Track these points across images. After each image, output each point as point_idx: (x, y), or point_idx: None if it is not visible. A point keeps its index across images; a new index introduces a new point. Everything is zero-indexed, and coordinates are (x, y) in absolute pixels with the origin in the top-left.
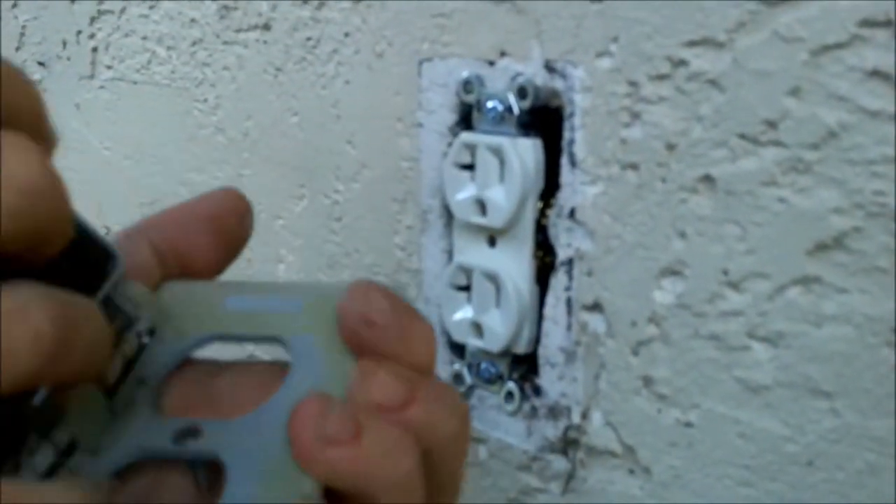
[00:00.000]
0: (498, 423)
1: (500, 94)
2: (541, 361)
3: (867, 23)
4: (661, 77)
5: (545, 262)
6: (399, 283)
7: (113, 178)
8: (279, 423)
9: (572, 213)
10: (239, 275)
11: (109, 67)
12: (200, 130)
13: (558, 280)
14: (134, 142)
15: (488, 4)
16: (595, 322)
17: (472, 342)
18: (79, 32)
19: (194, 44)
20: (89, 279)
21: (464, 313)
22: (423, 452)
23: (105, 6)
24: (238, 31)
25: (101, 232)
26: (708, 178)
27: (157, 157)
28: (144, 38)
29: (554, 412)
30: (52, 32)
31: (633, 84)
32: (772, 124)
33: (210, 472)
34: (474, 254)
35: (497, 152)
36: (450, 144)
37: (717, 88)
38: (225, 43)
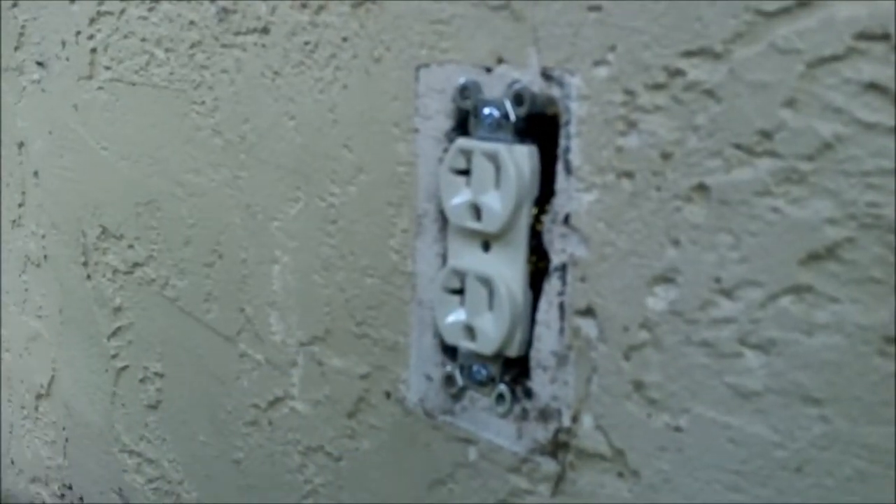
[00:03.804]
0: (488, 424)
1: (496, 100)
2: (532, 365)
3: (864, 36)
4: (658, 86)
5: (539, 268)
6: (393, 285)
7: (110, 179)
8: None
9: (567, 220)
10: (235, 276)
11: (108, 68)
12: (198, 132)
13: (551, 285)
14: (131, 143)
15: (486, 11)
16: (587, 327)
17: (465, 345)
18: (78, 33)
19: (193, 46)
20: None
21: (457, 316)
22: None
23: (104, 7)
24: (236, 34)
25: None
26: (702, 187)
27: (155, 158)
28: (143, 39)
29: (544, 415)
30: (51, 32)
31: (629, 93)
32: (767, 135)
33: None
34: (468, 258)
35: (493, 158)
36: (446, 150)
37: (713, 98)
38: (223, 46)
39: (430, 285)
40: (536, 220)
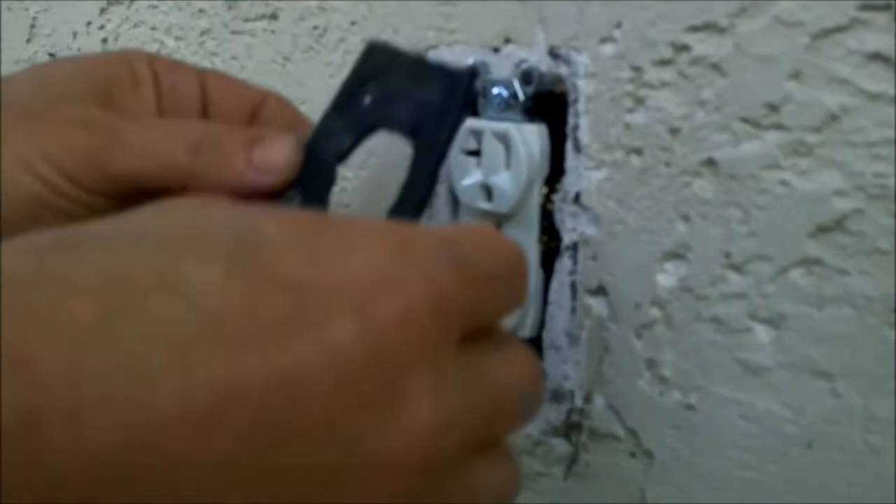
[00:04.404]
0: None
1: (505, 80)
2: (545, 345)
3: (867, 6)
4: (665, 62)
5: (550, 247)
6: None
7: None
8: None
9: (577, 198)
10: None
11: None
12: None
13: (563, 264)
14: None
15: None
16: (599, 306)
17: None
18: (88, 23)
19: (203, 34)
20: None
21: None
22: None
23: None
24: (246, 20)
25: None
26: (711, 162)
27: None
28: (153, 28)
29: (557, 396)
30: (61, 23)
31: (636, 69)
32: (774, 108)
33: None
34: None
35: (503, 138)
36: None
37: (719, 73)
38: (233, 33)
39: None
40: (547, 199)
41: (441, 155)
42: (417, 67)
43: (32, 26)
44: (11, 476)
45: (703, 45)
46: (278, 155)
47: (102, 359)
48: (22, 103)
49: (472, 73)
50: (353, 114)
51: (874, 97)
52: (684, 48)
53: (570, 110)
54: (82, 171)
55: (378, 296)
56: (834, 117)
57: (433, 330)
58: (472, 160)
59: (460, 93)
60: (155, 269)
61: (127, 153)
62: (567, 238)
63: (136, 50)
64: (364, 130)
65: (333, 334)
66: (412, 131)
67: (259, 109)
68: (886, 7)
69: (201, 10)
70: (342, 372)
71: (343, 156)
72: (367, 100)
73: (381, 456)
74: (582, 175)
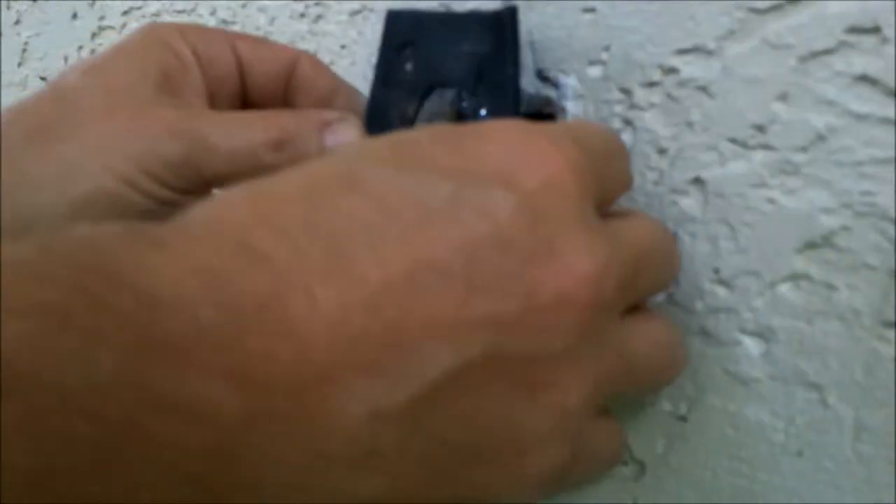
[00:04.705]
0: None
1: None
2: None
3: (854, 29)
4: (653, 84)
5: None
6: None
7: None
8: None
9: None
10: None
11: None
12: None
13: None
14: None
15: None
16: None
17: None
18: (80, 48)
19: None
20: None
21: None
22: None
23: (106, 22)
24: None
25: None
26: (698, 181)
27: None
28: None
29: None
30: (53, 48)
31: (625, 91)
32: (760, 128)
33: None
34: None
35: None
36: None
37: (706, 94)
38: None
39: None
40: None
41: (516, 90)
42: (451, 22)
43: (24, 50)
44: (273, 345)
45: (691, 68)
46: (347, 138)
47: (317, 247)
48: (94, 111)
49: (513, 9)
50: (401, 83)
51: (861, 118)
52: (672, 70)
53: None
54: (175, 178)
55: (522, 170)
56: (821, 137)
57: (574, 191)
58: None
59: (510, 31)
60: (339, 178)
61: (214, 159)
62: None
63: (164, 25)
64: (421, 95)
65: (494, 207)
66: (475, 82)
67: (293, 71)
68: (874, 30)
69: None
70: (507, 235)
71: (410, 123)
72: (409, 66)
73: (554, 298)
74: None
